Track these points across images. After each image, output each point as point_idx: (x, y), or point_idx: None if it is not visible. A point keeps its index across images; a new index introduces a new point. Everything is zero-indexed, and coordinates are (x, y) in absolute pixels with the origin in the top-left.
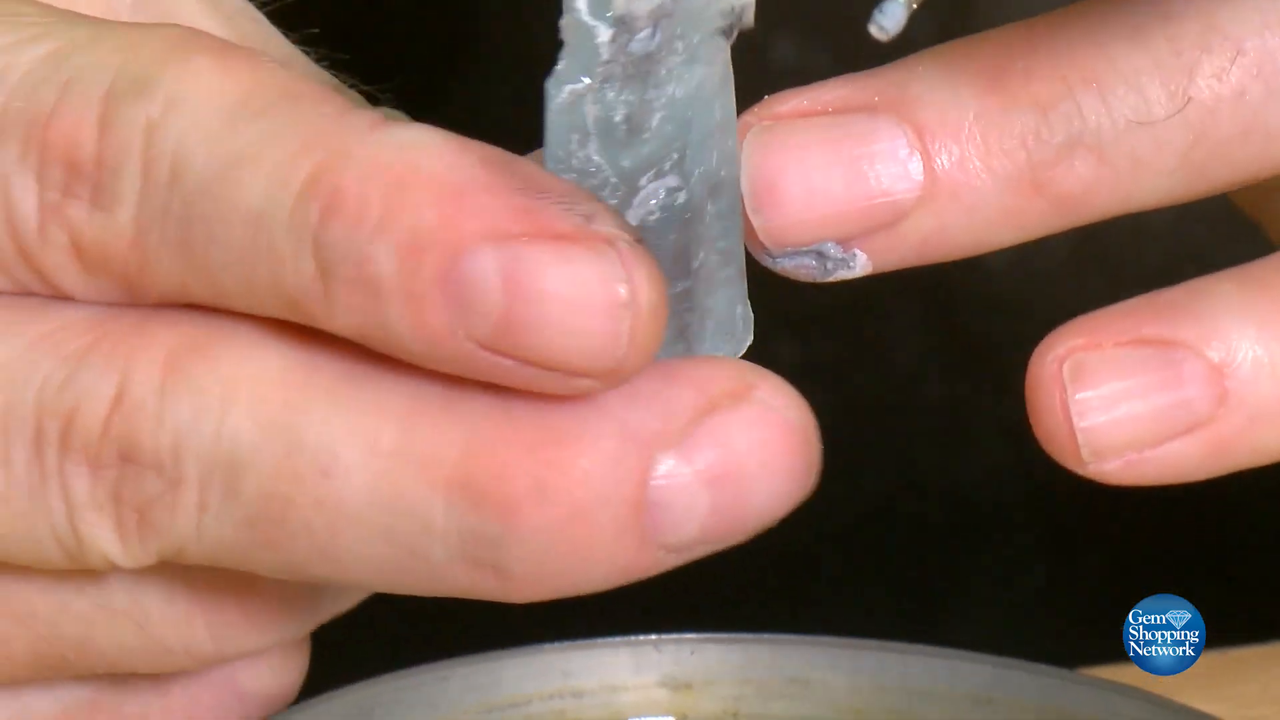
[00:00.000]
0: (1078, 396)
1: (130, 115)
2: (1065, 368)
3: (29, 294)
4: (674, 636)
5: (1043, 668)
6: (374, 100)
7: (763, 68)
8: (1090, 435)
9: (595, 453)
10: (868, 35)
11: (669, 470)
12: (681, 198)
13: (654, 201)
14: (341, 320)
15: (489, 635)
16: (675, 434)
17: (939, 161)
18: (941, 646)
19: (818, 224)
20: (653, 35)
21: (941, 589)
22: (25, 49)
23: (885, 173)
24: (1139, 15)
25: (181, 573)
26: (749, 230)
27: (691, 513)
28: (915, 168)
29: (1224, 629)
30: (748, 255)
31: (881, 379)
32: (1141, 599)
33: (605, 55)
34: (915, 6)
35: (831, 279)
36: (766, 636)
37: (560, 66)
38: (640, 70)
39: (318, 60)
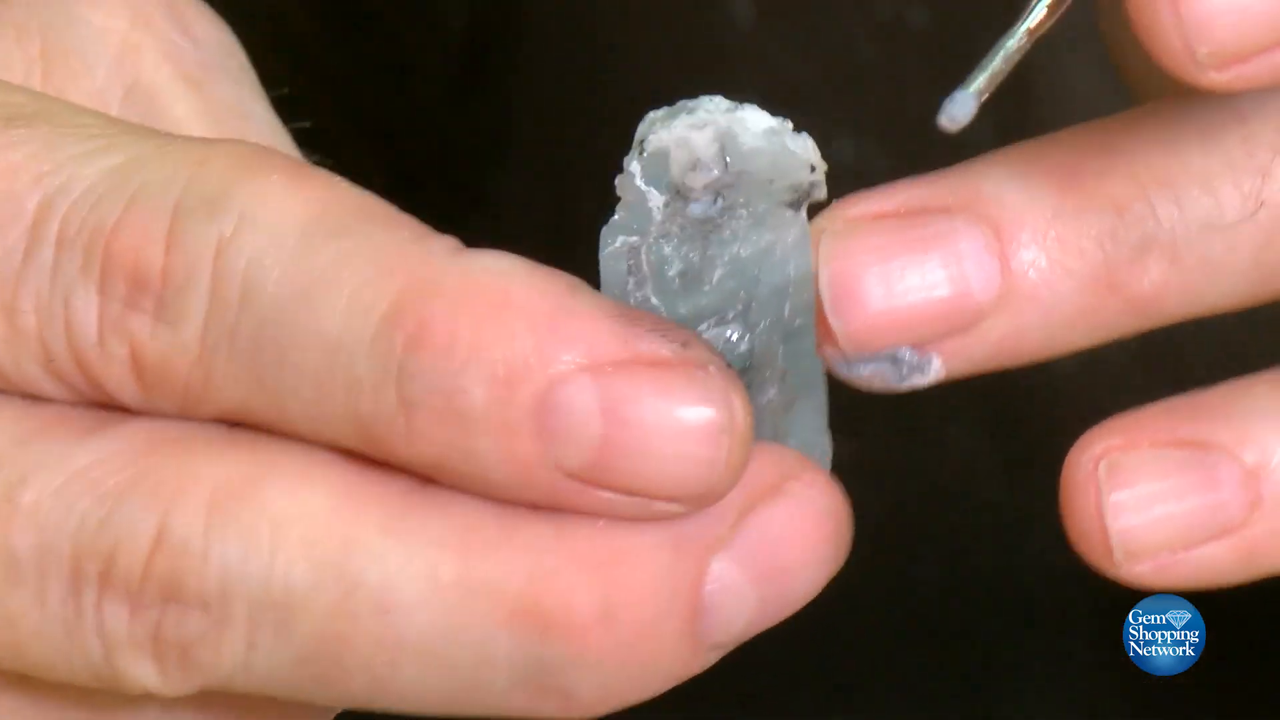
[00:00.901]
0: (1113, 497)
1: (200, 232)
2: (1101, 467)
3: (84, 403)
4: None
5: None
6: None
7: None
8: (1124, 537)
9: (654, 568)
10: (926, 134)
11: (720, 573)
12: (743, 346)
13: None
14: (420, 450)
15: None
16: (724, 536)
17: (1017, 261)
18: None
19: (898, 326)
20: (713, 202)
21: (995, 689)
22: (92, 160)
23: (965, 273)
24: (1211, 116)
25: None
26: (826, 336)
27: (741, 611)
28: (993, 267)
29: None
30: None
31: (938, 474)
32: (1204, 703)
33: (659, 218)
34: (985, 97)
35: (905, 386)
36: None
37: (615, 218)
38: (700, 230)
39: (310, 158)
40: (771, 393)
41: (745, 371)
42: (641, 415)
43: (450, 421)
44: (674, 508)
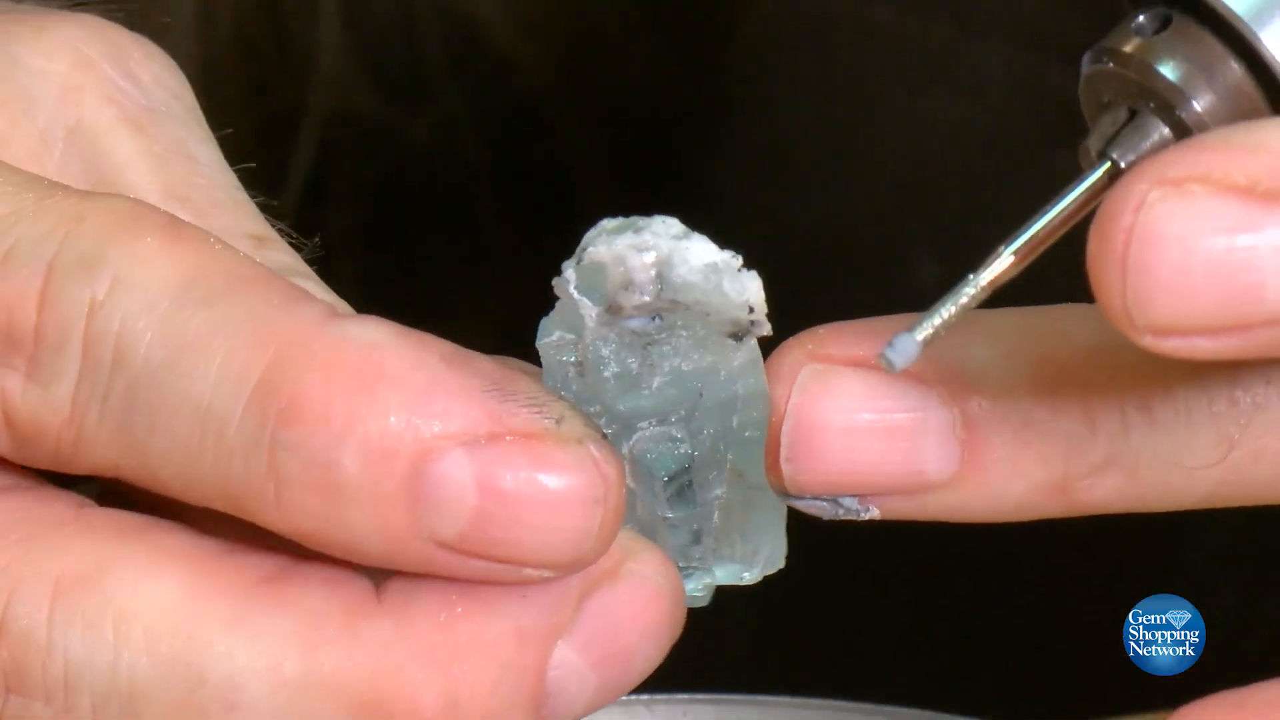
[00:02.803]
0: None
1: (74, 293)
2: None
3: None
4: (665, 696)
5: None
6: (298, 249)
7: None
8: None
9: (498, 661)
10: None
11: (561, 659)
12: (683, 448)
13: (653, 444)
14: (291, 520)
15: None
16: (565, 622)
17: (978, 454)
18: (941, 711)
19: (848, 485)
20: (651, 320)
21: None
22: None
23: (925, 453)
24: None
25: None
26: (773, 469)
27: (583, 692)
28: (953, 453)
29: None
30: None
31: None
32: None
33: (592, 324)
34: (929, 343)
35: (836, 519)
36: (759, 698)
37: (553, 314)
38: (638, 340)
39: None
40: (719, 491)
41: (687, 470)
42: (515, 488)
43: (324, 493)
44: (544, 574)
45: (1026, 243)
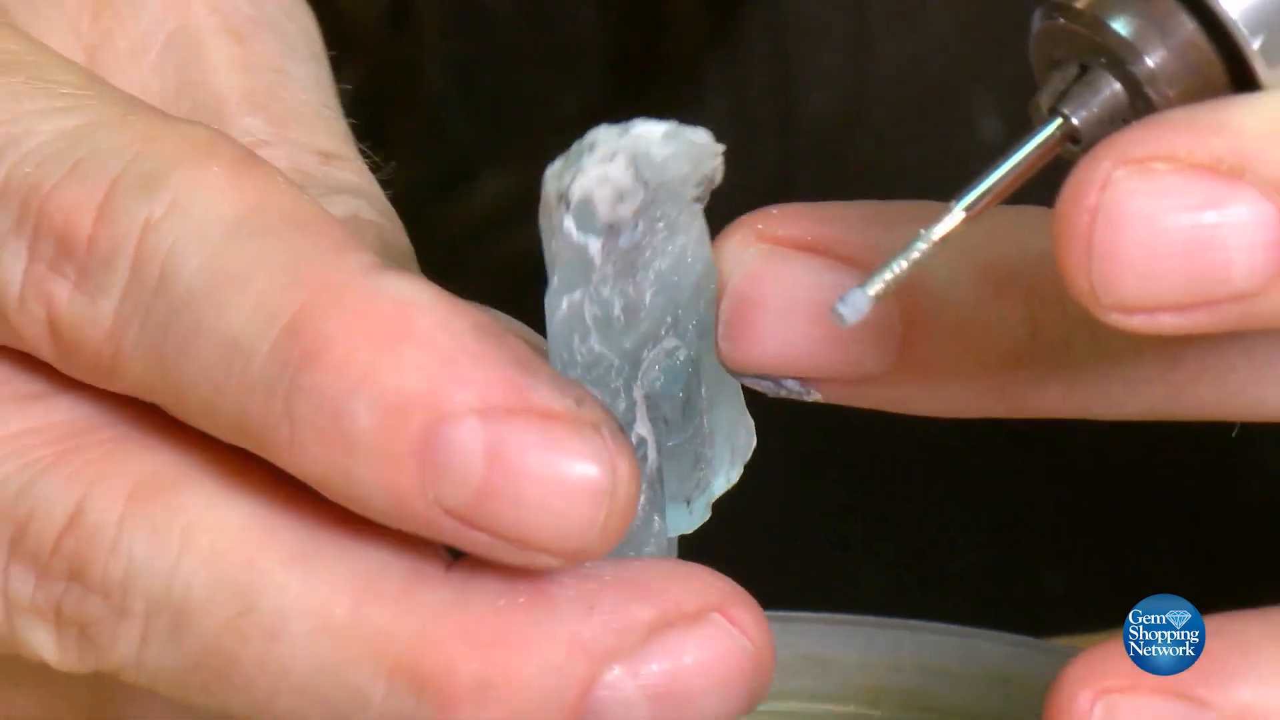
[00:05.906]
0: None
1: (132, 209)
2: (1099, 707)
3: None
4: None
5: (1059, 648)
6: (376, 169)
7: None
8: None
9: (542, 660)
10: None
11: (614, 680)
12: (682, 355)
13: (658, 367)
14: (302, 464)
15: None
16: (628, 647)
17: (917, 349)
18: (959, 625)
19: (783, 368)
20: (636, 226)
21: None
22: (50, 119)
23: (862, 344)
24: None
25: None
26: (715, 347)
27: None
28: (892, 347)
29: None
30: None
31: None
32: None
33: (598, 262)
34: (879, 299)
35: (779, 397)
36: (782, 614)
37: (555, 282)
38: (629, 261)
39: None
40: (705, 391)
41: (690, 374)
42: (524, 464)
43: (333, 442)
44: (548, 560)
45: (977, 199)
